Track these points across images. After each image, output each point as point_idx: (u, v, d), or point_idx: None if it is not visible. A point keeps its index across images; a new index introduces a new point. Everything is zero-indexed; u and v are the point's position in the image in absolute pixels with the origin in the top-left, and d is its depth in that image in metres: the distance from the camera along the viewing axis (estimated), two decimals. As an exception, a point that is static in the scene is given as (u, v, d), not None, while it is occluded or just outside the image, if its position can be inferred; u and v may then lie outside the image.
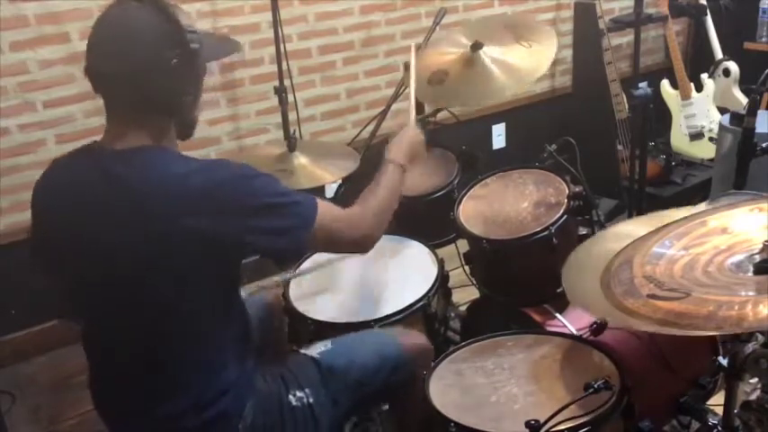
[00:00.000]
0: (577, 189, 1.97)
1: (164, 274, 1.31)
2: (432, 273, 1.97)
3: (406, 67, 1.91)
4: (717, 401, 1.65)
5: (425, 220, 2.27)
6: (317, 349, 1.64)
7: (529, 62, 1.97)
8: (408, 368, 1.63)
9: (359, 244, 1.56)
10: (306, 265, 2.05)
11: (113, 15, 1.32)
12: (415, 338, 1.71)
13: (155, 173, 1.31)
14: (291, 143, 2.13)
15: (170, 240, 1.29)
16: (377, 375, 1.61)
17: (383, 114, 2.75)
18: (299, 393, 1.54)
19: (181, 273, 1.32)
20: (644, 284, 1.26)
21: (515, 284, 2.04)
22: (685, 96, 3.86)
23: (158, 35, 1.29)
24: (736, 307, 1.12)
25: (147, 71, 1.29)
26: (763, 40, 3.88)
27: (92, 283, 1.38)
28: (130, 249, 1.31)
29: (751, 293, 1.16)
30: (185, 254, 1.30)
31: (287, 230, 1.38)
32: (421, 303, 1.86)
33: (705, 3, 3.89)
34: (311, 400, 1.54)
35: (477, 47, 2.07)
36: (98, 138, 1.40)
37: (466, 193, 2.17)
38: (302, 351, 1.65)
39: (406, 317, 1.83)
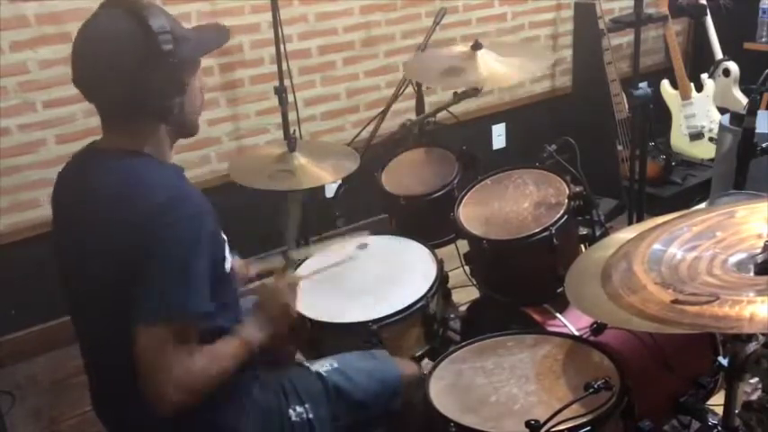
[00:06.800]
0: (578, 189, 1.97)
1: (135, 279, 1.27)
2: (431, 273, 1.96)
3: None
4: (717, 401, 1.65)
5: (425, 220, 2.27)
6: (322, 366, 1.63)
7: (509, 70, 2.25)
8: (404, 396, 1.64)
9: (160, 392, 1.27)
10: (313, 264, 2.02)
11: (89, 26, 1.32)
12: (409, 367, 1.72)
13: (123, 180, 1.32)
14: (291, 143, 2.13)
15: (134, 247, 1.27)
16: (377, 400, 1.62)
17: (383, 114, 2.75)
18: (299, 408, 1.53)
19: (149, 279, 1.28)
20: (660, 291, 1.19)
21: (515, 284, 2.03)
22: (685, 96, 3.86)
23: (128, 42, 1.28)
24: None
25: (121, 80, 1.29)
26: (763, 40, 3.88)
27: (78, 286, 1.38)
28: (104, 254, 1.30)
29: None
30: (149, 262, 1.27)
31: (148, 297, 1.26)
32: (420, 304, 1.85)
33: (705, 3, 3.89)
34: (311, 416, 1.54)
35: (476, 47, 2.22)
36: (98, 137, 1.41)
37: (466, 193, 2.16)
38: (306, 365, 1.65)
39: (405, 317, 1.82)
